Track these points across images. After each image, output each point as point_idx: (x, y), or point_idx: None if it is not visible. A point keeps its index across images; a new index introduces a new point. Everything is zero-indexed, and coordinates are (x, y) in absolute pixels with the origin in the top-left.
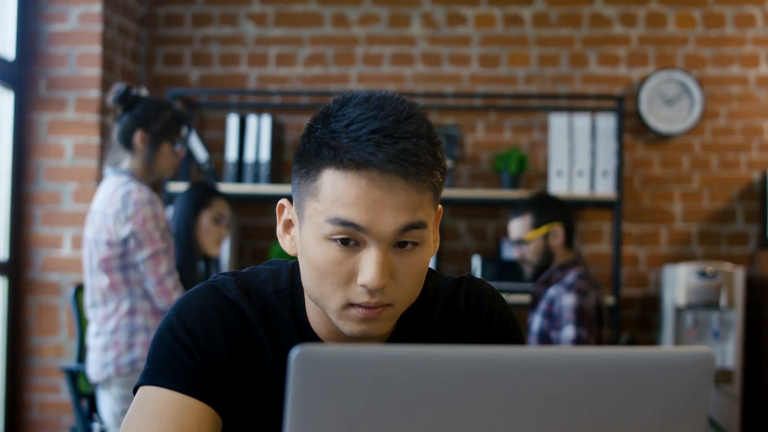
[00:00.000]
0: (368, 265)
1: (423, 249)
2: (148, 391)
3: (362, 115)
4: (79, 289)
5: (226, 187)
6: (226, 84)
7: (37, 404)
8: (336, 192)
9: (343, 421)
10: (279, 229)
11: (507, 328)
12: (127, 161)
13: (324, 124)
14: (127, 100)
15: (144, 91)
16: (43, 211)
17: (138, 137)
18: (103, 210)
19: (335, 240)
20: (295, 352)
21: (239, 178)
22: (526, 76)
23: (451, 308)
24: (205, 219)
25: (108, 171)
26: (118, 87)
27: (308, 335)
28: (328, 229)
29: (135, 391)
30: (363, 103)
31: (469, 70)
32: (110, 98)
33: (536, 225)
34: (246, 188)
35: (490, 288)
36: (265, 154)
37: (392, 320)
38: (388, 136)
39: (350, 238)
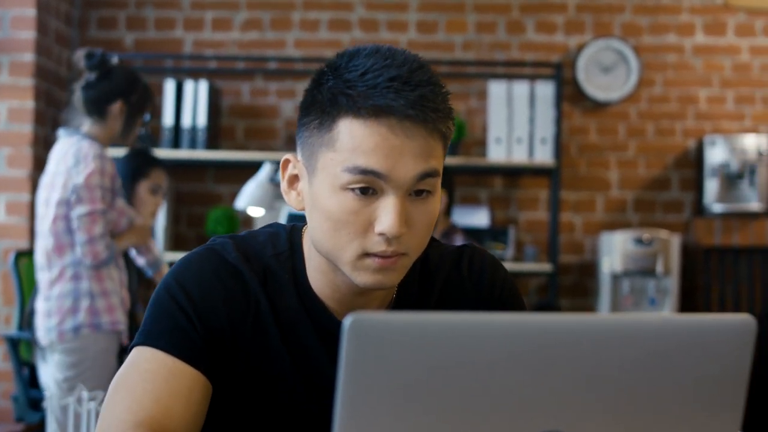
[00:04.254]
0: (387, 212)
1: (435, 197)
2: (142, 351)
3: (377, 65)
4: (20, 255)
5: (163, 152)
6: (162, 48)
7: None
8: (354, 140)
9: (395, 388)
10: (283, 185)
11: (510, 299)
12: (86, 126)
13: (335, 75)
14: (104, 67)
15: (115, 59)
16: None
17: (116, 107)
18: (56, 170)
19: (353, 189)
20: (348, 320)
21: (176, 143)
22: (463, 43)
23: (453, 277)
24: (142, 189)
25: (61, 132)
26: (92, 51)
27: (309, 297)
28: (346, 178)
29: (130, 350)
30: (374, 54)
31: (407, 36)
32: (84, 62)
33: None
34: (182, 154)
35: (492, 258)
36: (201, 120)
37: (404, 270)
38: (405, 83)
39: (369, 186)
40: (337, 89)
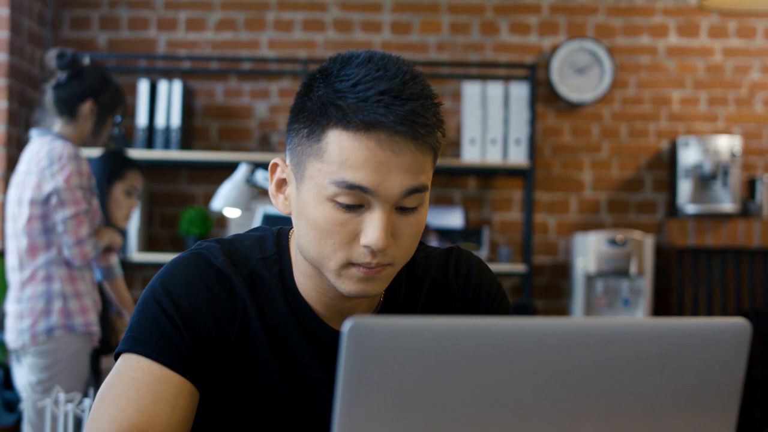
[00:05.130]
0: (372, 226)
1: (422, 209)
2: (128, 359)
3: (368, 76)
4: None
5: (136, 153)
6: (135, 48)
7: None
8: (343, 154)
9: (395, 393)
10: (271, 188)
11: (496, 301)
12: (58, 126)
13: (326, 83)
14: (75, 66)
15: (87, 59)
16: None
17: (87, 107)
18: (28, 169)
19: (339, 202)
20: (347, 325)
21: (149, 144)
22: (437, 44)
23: (440, 280)
24: (118, 191)
25: (33, 133)
26: (63, 51)
27: (296, 301)
28: (333, 191)
29: (116, 357)
30: (366, 63)
31: (381, 37)
32: (55, 62)
33: None
34: (156, 154)
35: (479, 260)
36: (175, 120)
37: (389, 279)
38: (396, 97)
39: (356, 200)
40: (327, 99)
